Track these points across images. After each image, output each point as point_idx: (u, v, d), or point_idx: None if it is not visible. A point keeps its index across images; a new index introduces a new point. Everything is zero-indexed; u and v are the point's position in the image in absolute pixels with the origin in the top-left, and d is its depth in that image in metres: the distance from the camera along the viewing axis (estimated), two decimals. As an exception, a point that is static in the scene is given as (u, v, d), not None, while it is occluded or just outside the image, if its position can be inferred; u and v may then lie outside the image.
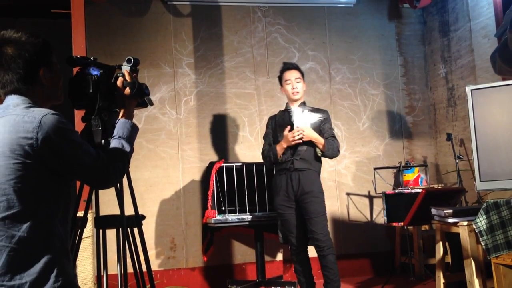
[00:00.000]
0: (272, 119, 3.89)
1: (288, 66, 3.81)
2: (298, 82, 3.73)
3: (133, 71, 2.02)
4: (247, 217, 4.27)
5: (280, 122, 3.77)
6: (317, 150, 3.64)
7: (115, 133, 1.86)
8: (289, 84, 3.73)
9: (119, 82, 1.94)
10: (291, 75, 3.73)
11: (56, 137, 1.54)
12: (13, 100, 1.61)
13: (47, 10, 4.39)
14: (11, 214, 1.52)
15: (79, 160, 1.60)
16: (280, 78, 3.82)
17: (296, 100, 3.75)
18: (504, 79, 3.55)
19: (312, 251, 3.74)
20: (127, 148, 1.83)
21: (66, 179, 1.62)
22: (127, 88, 1.93)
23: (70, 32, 3.87)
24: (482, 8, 4.58)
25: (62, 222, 1.61)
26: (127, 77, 1.95)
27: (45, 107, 1.69)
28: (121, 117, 1.92)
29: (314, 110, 3.78)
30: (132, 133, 1.88)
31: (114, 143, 1.82)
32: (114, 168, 1.70)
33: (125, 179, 2.20)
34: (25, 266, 1.51)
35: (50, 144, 1.54)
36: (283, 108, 3.89)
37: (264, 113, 4.86)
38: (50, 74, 1.68)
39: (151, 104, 2.09)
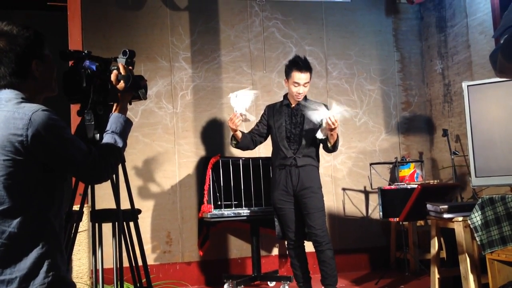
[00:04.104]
0: (269, 108, 3.82)
1: (301, 67, 3.58)
2: (305, 86, 3.63)
3: (129, 63, 2.00)
4: (243, 211, 4.28)
5: (277, 117, 3.74)
6: (329, 144, 3.53)
7: (108, 127, 1.83)
8: (296, 87, 3.60)
9: (113, 76, 1.92)
10: (301, 78, 3.58)
11: (46, 133, 1.53)
12: (6, 94, 1.60)
13: (43, 2, 4.36)
14: (1, 210, 1.51)
15: (69, 156, 1.58)
16: (288, 73, 3.65)
17: (296, 102, 3.72)
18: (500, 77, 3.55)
19: (308, 246, 3.75)
20: (119, 143, 1.81)
21: (59, 174, 1.61)
22: (121, 81, 1.91)
23: (66, 25, 3.85)
24: (479, 4, 4.58)
25: (55, 216, 1.60)
26: (122, 71, 1.93)
27: (39, 100, 1.67)
28: (115, 111, 1.90)
29: (313, 103, 3.76)
30: (125, 128, 1.86)
31: (106, 138, 1.81)
32: (106, 164, 1.68)
33: (121, 173, 2.20)
34: (15, 261, 1.51)
35: (40, 141, 1.52)
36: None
37: (261, 107, 4.83)
38: (42, 66, 1.66)
39: (144, 98, 2.07)
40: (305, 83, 3.63)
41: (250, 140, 3.77)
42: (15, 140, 1.51)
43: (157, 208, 4.64)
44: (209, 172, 4.37)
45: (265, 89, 5.01)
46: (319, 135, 3.52)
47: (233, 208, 4.33)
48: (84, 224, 3.34)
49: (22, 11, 4.86)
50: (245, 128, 4.20)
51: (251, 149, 3.88)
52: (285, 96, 3.79)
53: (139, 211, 2.32)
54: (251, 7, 5.06)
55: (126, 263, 2.25)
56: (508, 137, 3.06)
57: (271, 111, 3.78)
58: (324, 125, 3.43)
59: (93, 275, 2.18)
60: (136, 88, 2.00)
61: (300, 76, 3.59)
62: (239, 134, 3.66)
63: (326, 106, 3.66)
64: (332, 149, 3.57)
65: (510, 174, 3.00)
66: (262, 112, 3.94)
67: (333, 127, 3.39)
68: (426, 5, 5.39)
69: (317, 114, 3.46)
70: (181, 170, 4.73)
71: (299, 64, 3.60)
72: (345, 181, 5.11)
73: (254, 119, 3.76)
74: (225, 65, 4.94)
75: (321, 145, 3.68)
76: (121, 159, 1.84)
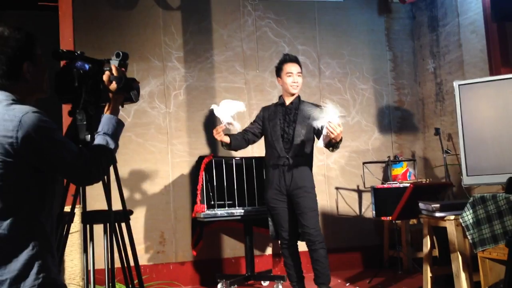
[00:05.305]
0: (265, 109, 3.84)
1: (291, 58, 3.74)
2: (299, 76, 3.70)
3: (122, 65, 2.00)
4: (237, 211, 4.28)
5: (272, 117, 3.74)
6: (330, 145, 3.40)
7: (99, 128, 1.83)
8: (290, 76, 3.68)
9: (105, 76, 1.91)
10: (293, 68, 3.69)
11: (36, 135, 1.53)
12: None
13: (34, 2, 4.33)
14: None
15: (60, 158, 1.58)
16: (279, 69, 3.74)
17: (292, 94, 3.73)
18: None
19: (301, 246, 3.75)
20: (111, 144, 1.80)
21: (50, 176, 1.61)
22: (113, 82, 1.91)
23: (57, 25, 3.83)
24: (470, 4, 4.60)
25: (46, 218, 1.60)
26: (114, 72, 1.92)
27: (30, 101, 1.67)
28: (106, 112, 1.90)
29: (311, 105, 3.74)
30: (117, 129, 1.86)
31: (98, 139, 1.80)
32: (97, 166, 1.68)
33: (112, 174, 2.19)
34: (5, 263, 1.50)
35: (30, 143, 1.52)
36: (274, 102, 3.89)
37: (254, 107, 4.85)
38: (33, 68, 1.66)
39: (136, 100, 2.07)
40: (298, 72, 3.70)
41: (242, 139, 3.77)
42: (5, 142, 1.50)
43: (150, 208, 4.63)
44: (202, 172, 4.37)
45: (258, 88, 5.01)
46: (320, 144, 3.38)
47: (227, 208, 4.33)
48: (76, 225, 3.33)
49: (12, 11, 4.82)
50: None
51: (244, 147, 3.87)
52: (280, 97, 3.81)
53: (131, 212, 2.31)
54: (243, 6, 5.05)
55: (118, 264, 2.25)
56: (499, 136, 3.08)
57: (266, 112, 3.80)
58: (325, 133, 3.28)
59: (85, 276, 2.18)
60: (128, 89, 2.00)
61: (291, 66, 3.69)
62: (227, 139, 3.65)
63: (319, 106, 3.62)
64: (331, 150, 3.50)
65: (501, 172, 3.01)
66: (256, 113, 3.95)
67: (333, 135, 3.25)
68: (418, 5, 5.41)
69: (319, 119, 3.30)
70: (174, 170, 4.72)
71: (287, 56, 3.78)
72: (338, 180, 5.12)
73: (239, 127, 3.68)
74: (218, 64, 4.94)
75: (322, 145, 3.61)
76: (112, 160, 1.83)
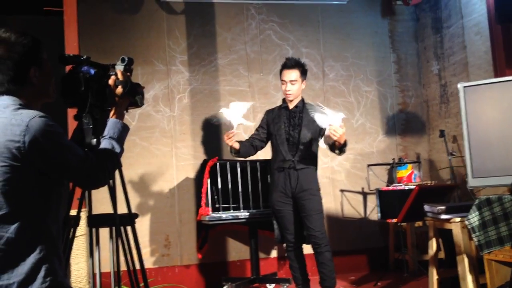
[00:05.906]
0: (269, 113, 3.83)
1: (286, 64, 3.65)
2: (293, 84, 3.62)
3: (127, 70, 2.02)
4: (241, 214, 4.28)
5: (276, 120, 3.74)
6: (336, 149, 3.43)
7: (105, 133, 1.84)
8: (283, 84, 3.66)
9: (111, 80, 1.93)
10: (287, 76, 3.62)
11: (43, 140, 1.54)
12: (3, 101, 1.60)
13: (40, 7, 4.37)
14: None
15: (66, 162, 1.59)
16: (280, 74, 3.73)
17: (290, 101, 3.72)
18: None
19: (306, 248, 3.75)
20: (117, 148, 1.82)
21: (56, 180, 1.62)
22: (119, 86, 1.92)
23: (62, 30, 3.85)
24: (474, 5, 4.60)
25: (53, 221, 1.61)
26: (120, 76, 1.94)
27: (37, 106, 1.68)
28: (112, 117, 1.91)
29: (314, 106, 3.73)
30: (122, 133, 1.87)
31: (104, 143, 1.82)
32: (103, 170, 1.69)
33: (118, 177, 2.20)
34: (13, 267, 1.51)
35: (37, 147, 1.53)
36: (278, 105, 3.89)
37: (258, 110, 4.86)
38: (40, 73, 1.67)
39: (141, 104, 2.09)
40: (291, 80, 3.62)
41: (250, 146, 3.76)
42: (13, 147, 1.51)
43: (155, 212, 4.63)
44: (207, 175, 4.37)
45: (262, 91, 5.02)
46: (322, 144, 3.48)
47: (231, 211, 4.33)
48: (82, 228, 3.34)
49: (18, 16, 4.86)
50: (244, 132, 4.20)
51: (253, 154, 3.85)
52: (284, 99, 3.80)
53: (136, 215, 2.32)
54: (247, 10, 5.07)
55: (124, 267, 2.25)
56: (504, 137, 3.07)
57: (270, 116, 3.79)
58: (327, 133, 3.33)
59: (91, 280, 2.18)
60: (134, 94, 2.02)
61: (286, 73, 3.64)
62: (237, 145, 3.63)
63: (322, 107, 3.63)
64: (338, 154, 3.52)
65: (507, 174, 3.01)
66: (260, 116, 3.94)
67: (335, 137, 3.29)
68: (422, 6, 5.41)
69: (322, 119, 3.33)
70: (179, 173, 4.73)
71: (286, 62, 3.70)
72: (343, 182, 5.11)
73: (251, 124, 3.73)
74: (222, 68, 4.95)
75: (326, 146, 3.63)
76: (118, 164, 1.84)
